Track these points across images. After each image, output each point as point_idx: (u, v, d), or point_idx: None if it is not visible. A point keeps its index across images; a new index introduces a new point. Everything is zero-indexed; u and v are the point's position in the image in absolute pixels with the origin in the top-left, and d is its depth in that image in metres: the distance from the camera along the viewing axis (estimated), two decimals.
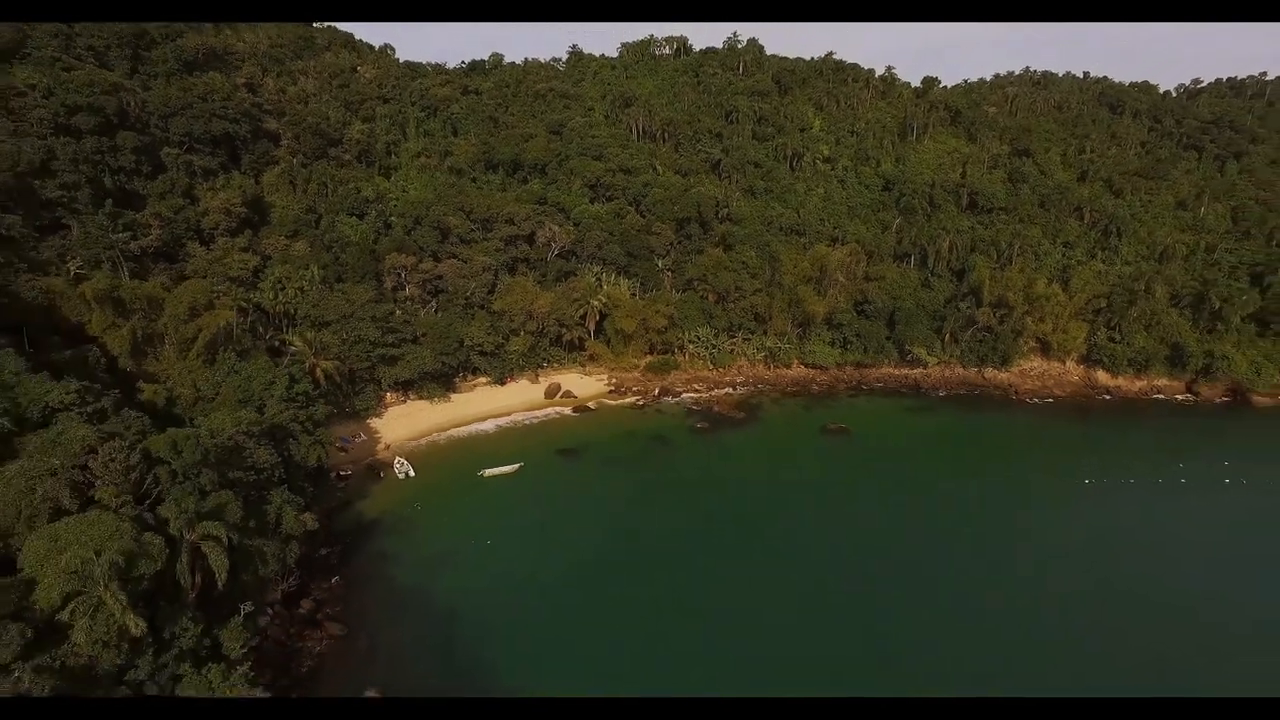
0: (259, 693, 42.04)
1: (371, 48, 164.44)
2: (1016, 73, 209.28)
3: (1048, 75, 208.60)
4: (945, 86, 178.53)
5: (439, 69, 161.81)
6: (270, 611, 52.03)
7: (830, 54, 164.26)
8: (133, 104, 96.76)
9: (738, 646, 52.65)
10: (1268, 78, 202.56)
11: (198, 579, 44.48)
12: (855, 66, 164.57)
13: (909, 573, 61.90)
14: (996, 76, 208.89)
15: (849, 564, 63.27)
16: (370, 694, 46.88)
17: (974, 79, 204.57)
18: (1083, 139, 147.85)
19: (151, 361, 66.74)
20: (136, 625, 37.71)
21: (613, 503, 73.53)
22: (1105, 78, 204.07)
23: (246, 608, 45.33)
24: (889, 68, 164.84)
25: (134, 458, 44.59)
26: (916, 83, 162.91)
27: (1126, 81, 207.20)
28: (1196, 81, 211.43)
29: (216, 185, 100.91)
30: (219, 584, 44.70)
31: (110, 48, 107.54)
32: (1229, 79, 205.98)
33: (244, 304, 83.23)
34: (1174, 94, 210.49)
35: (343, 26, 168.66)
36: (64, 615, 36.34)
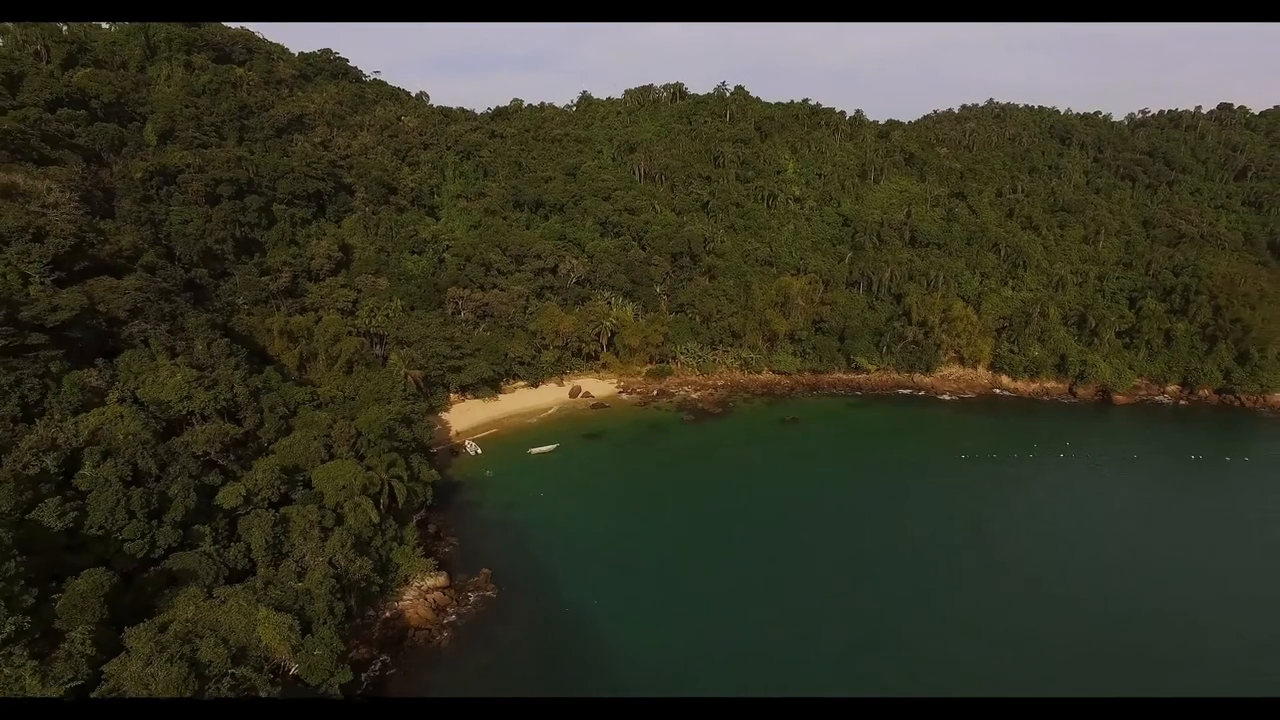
0: (431, 563, 79.63)
1: (409, 94, 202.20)
2: (981, 104, 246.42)
3: (1009, 107, 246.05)
4: (909, 123, 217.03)
5: (467, 114, 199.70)
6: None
7: (806, 100, 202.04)
8: (251, 171, 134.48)
9: (700, 530, 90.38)
10: (1203, 111, 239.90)
11: (386, 500, 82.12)
12: (828, 111, 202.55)
13: (821, 507, 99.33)
14: (964, 108, 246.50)
15: (783, 498, 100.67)
16: (483, 573, 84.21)
17: (943, 109, 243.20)
18: (1015, 177, 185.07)
19: (310, 372, 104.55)
20: (375, 516, 75.56)
21: (624, 471, 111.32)
22: (1056, 109, 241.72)
23: (417, 517, 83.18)
24: (858, 110, 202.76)
25: (351, 431, 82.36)
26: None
27: (1079, 112, 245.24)
28: (1144, 111, 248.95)
29: (311, 232, 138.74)
30: (399, 504, 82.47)
31: (224, 123, 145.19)
32: (1169, 111, 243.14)
33: (350, 330, 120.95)
34: (1124, 122, 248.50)
35: (380, 74, 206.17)
36: (343, 509, 74.08)
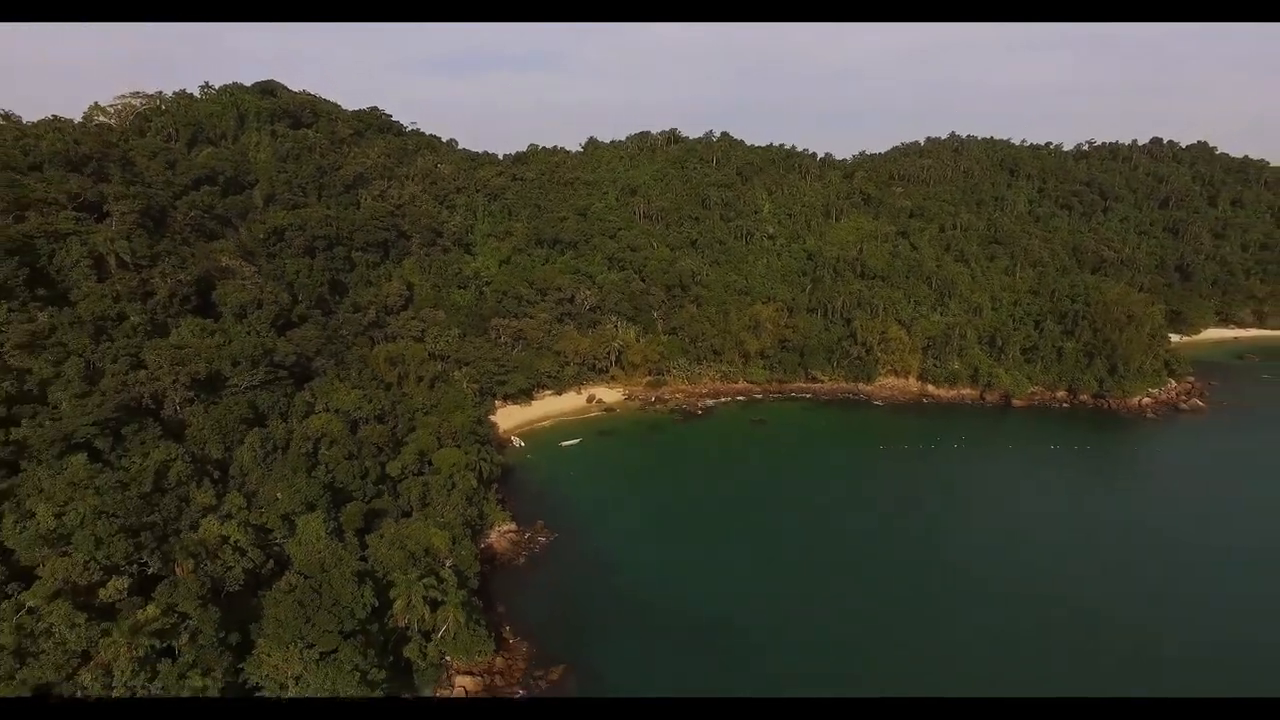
0: (506, 514, 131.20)
1: (441, 140, 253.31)
2: (943, 137, 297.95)
3: (969, 140, 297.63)
4: (881, 153, 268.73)
5: (491, 158, 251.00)
6: None
7: (783, 144, 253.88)
8: (335, 226, 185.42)
9: (687, 497, 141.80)
10: (1139, 143, 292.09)
11: (477, 474, 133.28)
12: (801, 154, 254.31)
13: (777, 478, 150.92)
14: (929, 139, 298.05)
15: (750, 476, 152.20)
16: (539, 523, 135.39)
17: (910, 140, 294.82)
18: (957, 215, 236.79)
19: (405, 387, 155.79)
20: (474, 483, 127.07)
21: (630, 459, 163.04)
22: (1010, 141, 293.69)
23: (494, 487, 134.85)
24: (827, 153, 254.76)
25: (452, 428, 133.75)
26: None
27: (1031, 143, 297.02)
28: (1090, 141, 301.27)
29: (381, 274, 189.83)
30: (484, 476, 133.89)
31: (307, 183, 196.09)
32: (1111, 144, 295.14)
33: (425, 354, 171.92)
34: (1071, 152, 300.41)
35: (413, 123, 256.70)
36: (455, 479, 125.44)
